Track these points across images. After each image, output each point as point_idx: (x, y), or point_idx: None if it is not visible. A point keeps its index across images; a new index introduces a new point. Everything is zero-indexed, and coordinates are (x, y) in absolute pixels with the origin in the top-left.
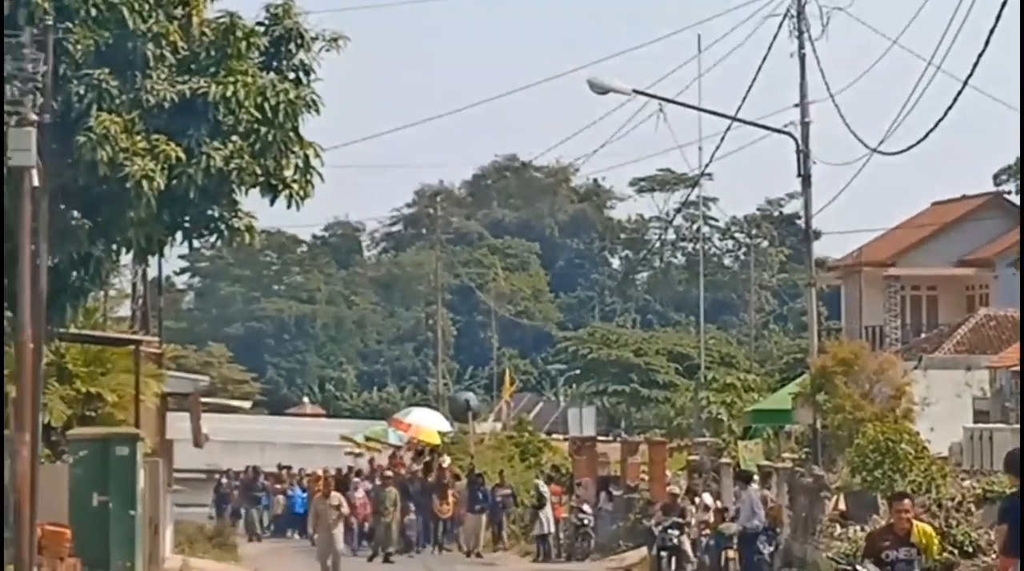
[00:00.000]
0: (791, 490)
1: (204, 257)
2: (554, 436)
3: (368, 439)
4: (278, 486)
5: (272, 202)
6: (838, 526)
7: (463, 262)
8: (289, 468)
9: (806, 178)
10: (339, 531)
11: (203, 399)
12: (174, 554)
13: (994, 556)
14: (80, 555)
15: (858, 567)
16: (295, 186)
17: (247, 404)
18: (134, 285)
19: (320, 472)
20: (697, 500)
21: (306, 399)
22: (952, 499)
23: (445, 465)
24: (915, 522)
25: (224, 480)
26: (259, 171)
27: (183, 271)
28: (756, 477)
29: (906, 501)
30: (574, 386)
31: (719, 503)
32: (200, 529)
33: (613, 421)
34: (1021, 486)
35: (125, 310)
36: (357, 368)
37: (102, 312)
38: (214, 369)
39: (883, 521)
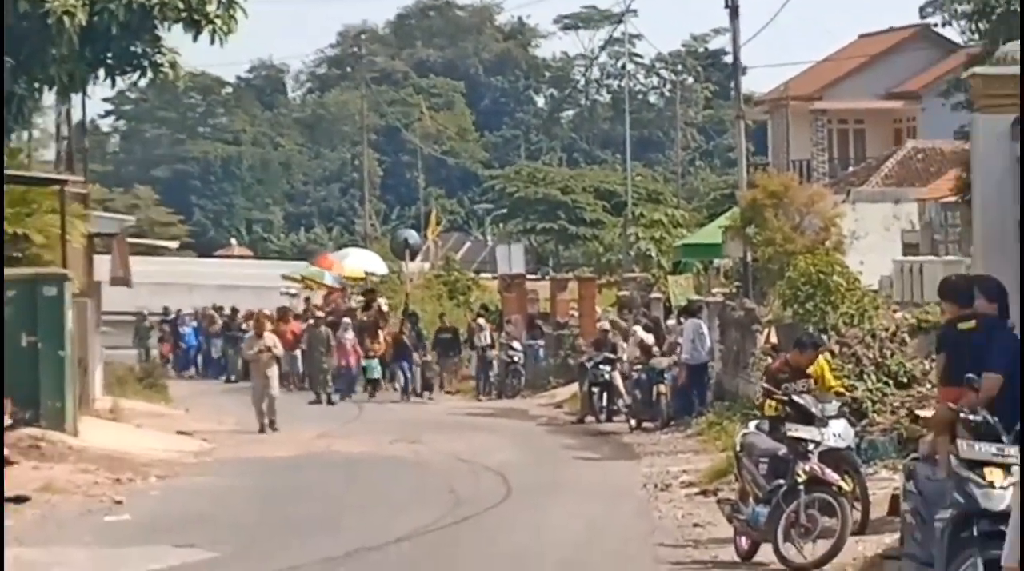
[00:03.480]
0: (722, 324)
1: (129, 100)
2: (482, 275)
3: (304, 278)
4: (213, 328)
5: (195, 38)
6: (770, 359)
7: (388, 102)
8: (221, 309)
9: (734, 10)
10: (273, 373)
11: (130, 240)
12: (104, 395)
13: (930, 386)
14: (9, 395)
15: (794, 397)
16: (218, 21)
17: (174, 244)
18: (58, 126)
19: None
20: (630, 336)
21: (233, 241)
22: (886, 330)
23: (384, 307)
24: None
25: (147, 322)
26: (181, 6)
27: (108, 114)
28: (704, 311)
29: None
30: (501, 225)
31: (649, 338)
32: (130, 370)
33: (541, 259)
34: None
35: (50, 154)
36: (284, 209)
37: (26, 153)
38: (140, 211)
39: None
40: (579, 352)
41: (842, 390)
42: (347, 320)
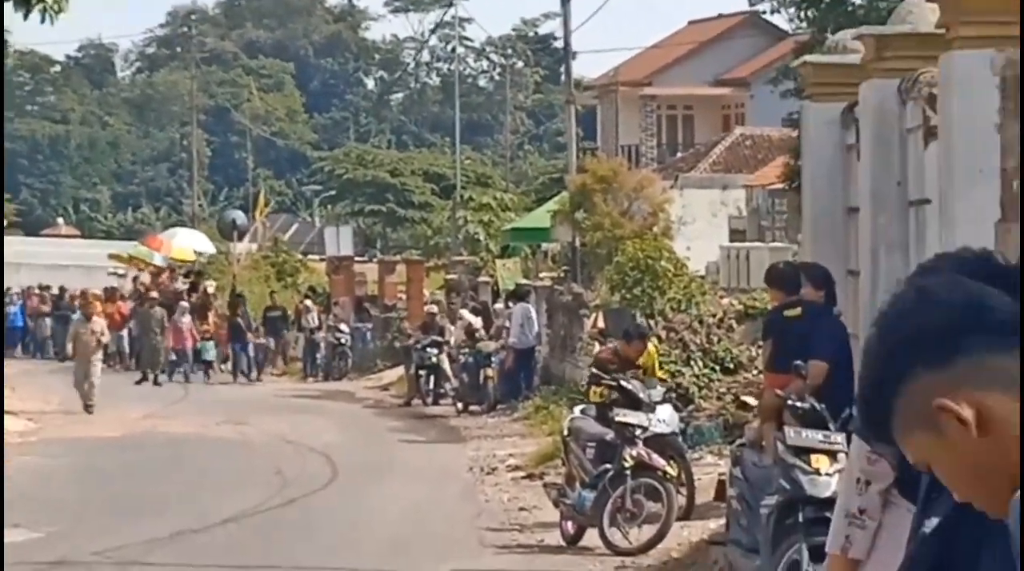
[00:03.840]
0: (550, 308)
1: None
2: (310, 256)
3: (132, 258)
4: (42, 308)
5: (26, 16)
6: (597, 344)
7: (218, 83)
8: (48, 288)
9: None
10: (97, 358)
11: None
12: None
13: (756, 372)
14: None
15: (622, 382)
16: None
17: None
18: None
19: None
20: (458, 319)
21: (60, 220)
22: (713, 316)
23: (211, 288)
24: None
25: None
26: None
27: None
28: (532, 295)
29: (650, 346)
30: (329, 207)
31: (478, 321)
32: None
33: (369, 241)
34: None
35: None
36: (112, 189)
37: None
38: None
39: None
40: (406, 335)
41: (666, 377)
42: (184, 303)
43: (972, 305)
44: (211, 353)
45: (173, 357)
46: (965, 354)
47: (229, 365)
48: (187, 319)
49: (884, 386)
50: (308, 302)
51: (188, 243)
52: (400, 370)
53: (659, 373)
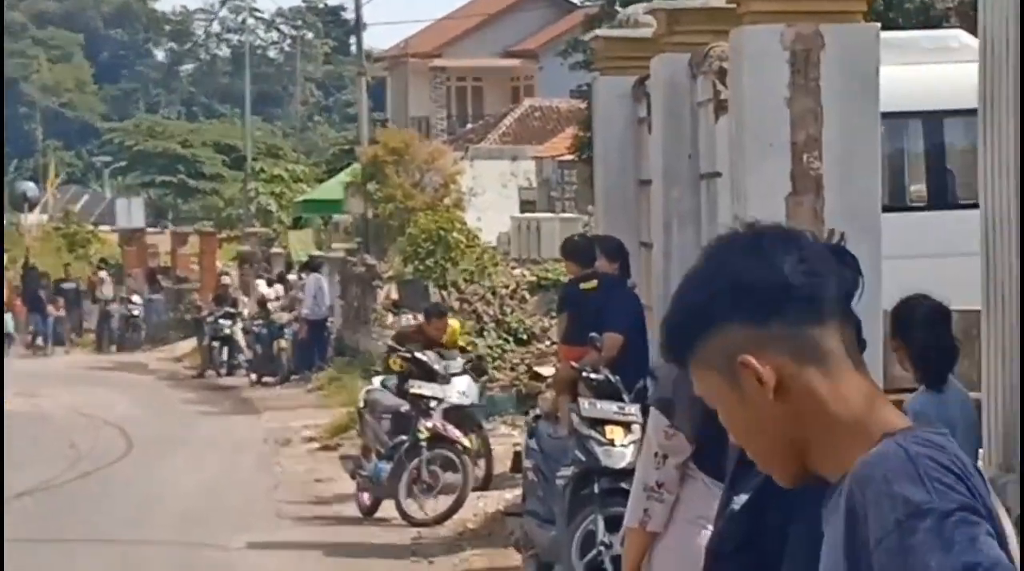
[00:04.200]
0: (343, 279)
1: None
2: (101, 228)
3: None
4: None
5: None
6: (391, 315)
7: (7, 54)
8: None
9: None
10: None
11: None
12: None
13: (549, 343)
14: None
15: (417, 354)
16: None
17: None
18: None
19: None
20: (252, 290)
21: None
22: (506, 287)
23: None
24: None
25: None
26: None
27: None
28: (325, 267)
29: (451, 323)
30: (120, 178)
31: (272, 292)
32: None
33: (161, 213)
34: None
35: None
36: None
37: None
38: None
39: None
40: (196, 307)
41: (466, 347)
42: None
43: (809, 273)
44: (10, 325)
45: None
46: (782, 319)
47: (28, 338)
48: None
49: (696, 321)
50: (103, 274)
51: None
52: (193, 342)
53: (460, 343)
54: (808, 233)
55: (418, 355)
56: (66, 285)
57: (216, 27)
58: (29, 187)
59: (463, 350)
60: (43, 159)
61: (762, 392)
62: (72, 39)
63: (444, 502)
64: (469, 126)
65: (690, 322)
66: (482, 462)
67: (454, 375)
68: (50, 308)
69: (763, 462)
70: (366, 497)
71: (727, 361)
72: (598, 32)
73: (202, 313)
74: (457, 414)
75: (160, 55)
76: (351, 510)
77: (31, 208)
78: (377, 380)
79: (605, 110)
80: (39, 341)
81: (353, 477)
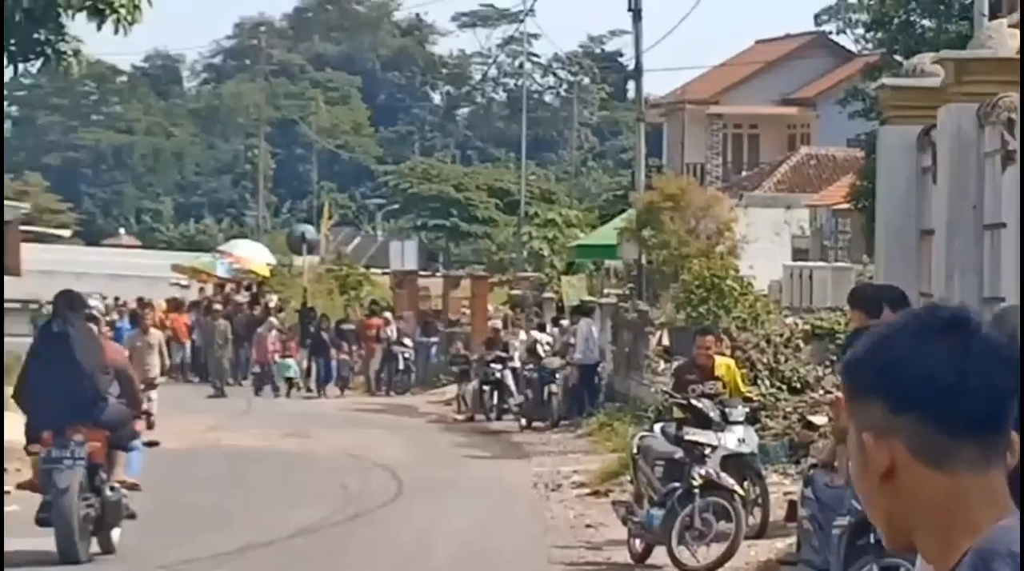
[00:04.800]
0: (615, 325)
1: (22, 86)
2: (372, 270)
3: (196, 270)
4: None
5: (99, 27)
6: (662, 361)
7: (284, 95)
8: (117, 299)
9: (636, 13)
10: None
11: (22, 227)
12: None
13: (822, 392)
14: None
15: (693, 401)
16: (123, 11)
17: (67, 232)
18: None
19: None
20: (522, 335)
21: (122, 230)
22: (780, 335)
23: (272, 303)
24: (716, 357)
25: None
26: None
27: None
28: (597, 312)
29: (708, 337)
30: (392, 221)
31: (544, 337)
32: (17, 359)
33: (432, 256)
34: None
35: None
36: (175, 199)
37: None
38: (30, 198)
39: None
40: (460, 356)
41: (751, 396)
42: (273, 319)
43: (960, 374)
44: (293, 370)
45: (256, 370)
46: (918, 413)
47: (311, 380)
48: (274, 334)
49: (855, 380)
50: (388, 315)
51: (251, 254)
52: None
53: (742, 388)
54: (995, 328)
55: (694, 402)
56: (345, 326)
57: (493, 71)
58: (308, 229)
59: (747, 400)
60: (317, 201)
61: (875, 470)
62: (350, 82)
63: (716, 550)
64: (744, 173)
65: (851, 380)
66: (757, 511)
67: (735, 423)
68: (333, 351)
69: (873, 521)
70: (638, 543)
71: (860, 428)
72: (884, 81)
73: (474, 356)
74: (735, 462)
75: (436, 98)
76: (622, 556)
77: (310, 250)
78: (657, 427)
79: (889, 159)
80: (324, 383)
81: (625, 523)
